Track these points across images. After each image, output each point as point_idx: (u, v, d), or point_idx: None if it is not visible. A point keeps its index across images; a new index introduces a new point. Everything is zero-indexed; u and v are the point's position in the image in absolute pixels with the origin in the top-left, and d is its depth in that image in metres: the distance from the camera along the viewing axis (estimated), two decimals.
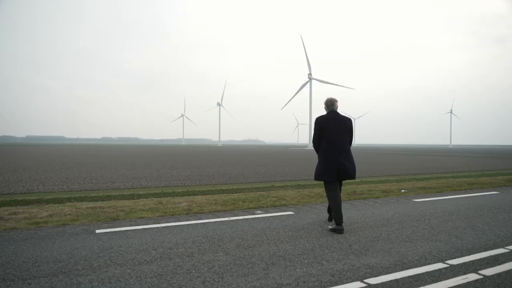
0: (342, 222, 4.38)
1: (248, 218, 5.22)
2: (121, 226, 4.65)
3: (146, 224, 4.79)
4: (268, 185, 14.96)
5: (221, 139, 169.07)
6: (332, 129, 4.54)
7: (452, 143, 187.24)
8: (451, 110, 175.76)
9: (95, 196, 11.45)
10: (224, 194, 8.05)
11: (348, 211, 5.87)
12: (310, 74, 79.30)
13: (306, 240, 3.99)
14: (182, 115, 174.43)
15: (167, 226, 4.70)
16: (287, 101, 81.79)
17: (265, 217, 5.35)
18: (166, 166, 24.89)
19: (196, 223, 4.87)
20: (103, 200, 10.57)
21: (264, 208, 6.14)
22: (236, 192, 12.33)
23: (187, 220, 5.05)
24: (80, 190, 13.19)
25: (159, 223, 4.86)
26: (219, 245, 3.77)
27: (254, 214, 5.57)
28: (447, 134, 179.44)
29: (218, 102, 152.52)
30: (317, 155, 4.84)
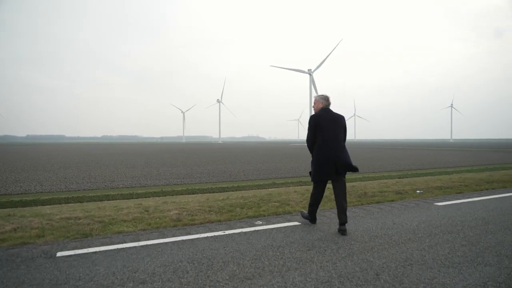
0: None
1: (246, 232, 4.36)
2: (90, 246, 3.80)
3: (122, 243, 3.94)
4: (269, 182, 14.20)
5: (221, 136, 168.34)
6: (328, 127, 4.45)
7: (453, 138, 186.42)
8: (452, 104, 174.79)
9: (94, 196, 10.71)
10: (221, 198, 7.20)
11: (364, 219, 5.01)
12: (310, 69, 78.19)
13: (320, 265, 3.14)
14: (182, 112, 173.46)
15: (146, 245, 3.85)
16: (279, 67, 77.41)
17: (266, 229, 4.49)
18: (166, 164, 24.14)
19: (183, 240, 4.02)
20: (101, 200, 9.82)
21: (265, 216, 5.29)
22: (237, 190, 11.56)
23: (172, 236, 4.20)
24: (78, 190, 12.46)
25: (138, 241, 4.01)
26: (207, 276, 2.92)
27: (254, 225, 4.72)
28: (448, 128, 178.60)
29: (218, 99, 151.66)
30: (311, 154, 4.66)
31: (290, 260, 3.28)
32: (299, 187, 10.74)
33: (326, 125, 4.44)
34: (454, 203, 6.28)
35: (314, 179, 4.57)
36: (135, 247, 3.77)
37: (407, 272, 2.94)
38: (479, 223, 4.68)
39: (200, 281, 2.80)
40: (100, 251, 3.62)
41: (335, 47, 71.47)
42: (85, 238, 4.20)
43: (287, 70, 77.91)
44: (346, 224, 4.36)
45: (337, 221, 4.77)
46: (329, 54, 72.58)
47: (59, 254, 3.55)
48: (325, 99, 4.67)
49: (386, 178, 14.13)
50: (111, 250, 3.67)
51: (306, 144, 4.78)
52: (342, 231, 4.26)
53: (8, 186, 13.06)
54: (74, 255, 3.52)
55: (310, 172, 4.69)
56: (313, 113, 4.82)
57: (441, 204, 6.17)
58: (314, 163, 4.54)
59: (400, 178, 13.77)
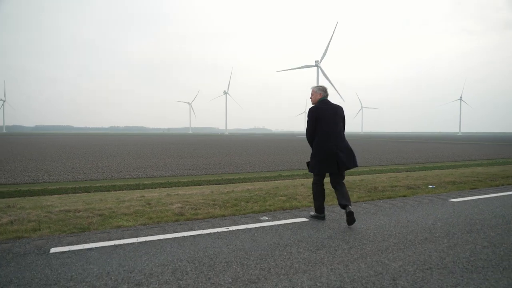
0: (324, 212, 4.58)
1: (251, 228, 4.13)
2: (86, 242, 3.60)
3: (121, 238, 3.73)
4: (276, 174, 13.99)
5: (228, 127, 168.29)
6: (328, 119, 4.38)
7: (462, 131, 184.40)
8: (461, 97, 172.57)
9: (100, 186, 10.64)
10: (226, 191, 6.98)
11: (376, 216, 4.75)
12: (317, 61, 77.24)
13: (330, 268, 2.89)
14: (189, 104, 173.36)
15: (146, 241, 3.64)
16: (286, 69, 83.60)
17: (272, 226, 4.25)
18: (172, 155, 24.08)
19: (184, 236, 3.80)
20: (108, 190, 9.73)
21: (271, 212, 5.05)
22: (242, 182, 11.37)
23: (173, 232, 3.98)
24: (85, 180, 12.44)
25: (137, 236, 3.80)
26: (208, 278, 2.69)
27: (259, 221, 4.49)
28: (456, 121, 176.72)
29: (224, 91, 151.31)
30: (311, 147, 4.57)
31: (298, 261, 3.03)
32: (305, 179, 10.50)
33: (326, 117, 4.38)
34: (470, 200, 5.98)
35: (315, 172, 4.47)
36: (133, 243, 3.55)
37: (426, 277, 2.68)
38: (499, 222, 4.39)
39: (200, 284, 2.57)
40: (96, 248, 3.41)
41: (333, 32, 72.58)
42: (82, 232, 4.00)
43: (295, 70, 78.76)
44: (351, 207, 4.19)
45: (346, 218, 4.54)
46: (330, 39, 73.06)
47: (52, 250, 3.35)
48: (323, 90, 4.60)
49: (394, 172, 13.84)
50: (107, 246, 3.46)
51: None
52: (350, 217, 4.09)
53: (17, 176, 13.05)
54: (68, 251, 3.31)
55: (307, 163, 4.60)
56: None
57: (456, 201, 5.87)
58: (314, 156, 4.44)
59: (408, 171, 13.48)
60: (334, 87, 74.95)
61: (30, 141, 49.87)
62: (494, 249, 3.35)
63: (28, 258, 3.14)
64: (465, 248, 3.39)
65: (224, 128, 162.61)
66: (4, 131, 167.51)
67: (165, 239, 3.72)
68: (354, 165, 4.40)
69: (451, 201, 5.82)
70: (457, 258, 3.11)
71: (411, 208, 5.26)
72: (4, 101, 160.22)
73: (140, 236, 3.80)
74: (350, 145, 4.48)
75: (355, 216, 4.28)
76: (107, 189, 10.37)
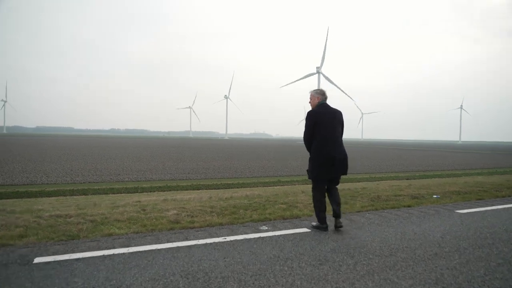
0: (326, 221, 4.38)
1: (250, 239, 3.91)
2: (73, 251, 3.37)
3: (111, 248, 3.51)
4: (275, 179, 13.77)
5: (228, 132, 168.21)
6: (326, 123, 4.31)
7: (462, 139, 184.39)
8: (461, 105, 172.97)
9: (98, 189, 10.41)
10: (225, 198, 6.76)
11: (380, 228, 4.52)
12: (318, 67, 77.29)
13: (335, 286, 2.66)
14: (190, 108, 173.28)
15: (137, 251, 3.41)
16: (289, 83, 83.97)
17: (272, 236, 4.03)
18: (172, 159, 23.86)
19: (178, 247, 3.58)
20: (106, 193, 9.51)
21: (271, 221, 4.82)
22: (241, 187, 11.15)
23: (167, 241, 3.76)
24: (84, 182, 12.20)
25: (128, 246, 3.57)
26: None
27: (259, 231, 4.26)
28: (457, 129, 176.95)
29: (225, 95, 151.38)
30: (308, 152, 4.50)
31: (300, 278, 2.81)
32: (305, 186, 10.28)
33: (324, 121, 4.32)
34: (477, 211, 5.75)
35: (314, 178, 4.37)
36: (123, 254, 3.33)
37: None
38: (511, 237, 4.17)
39: None
40: (83, 258, 3.19)
41: (326, 38, 73.79)
42: (71, 240, 3.78)
43: (298, 81, 79.83)
44: (341, 220, 4.39)
45: (351, 228, 4.37)
46: (325, 45, 73.93)
47: (36, 260, 3.13)
48: (321, 94, 4.54)
49: (394, 179, 13.62)
50: (96, 257, 3.23)
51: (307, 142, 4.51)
52: (338, 226, 4.29)
53: (15, 177, 12.83)
54: (53, 262, 3.09)
55: (307, 170, 4.49)
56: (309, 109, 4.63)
57: (463, 212, 5.65)
58: (313, 160, 4.36)
59: (408, 179, 13.27)
60: (341, 90, 74.83)
61: (30, 142, 49.67)
62: (510, 267, 3.13)
63: (10, 269, 2.92)
64: (478, 265, 3.16)
65: (224, 132, 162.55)
66: (5, 131, 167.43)
67: (158, 249, 3.49)
68: (344, 173, 4.40)
69: (458, 213, 5.59)
70: (471, 276, 2.89)
71: (417, 220, 5.04)
72: (6, 101, 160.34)
73: (131, 246, 3.58)
74: (346, 151, 4.46)
75: (359, 226, 4.21)
76: (105, 191, 10.16)
